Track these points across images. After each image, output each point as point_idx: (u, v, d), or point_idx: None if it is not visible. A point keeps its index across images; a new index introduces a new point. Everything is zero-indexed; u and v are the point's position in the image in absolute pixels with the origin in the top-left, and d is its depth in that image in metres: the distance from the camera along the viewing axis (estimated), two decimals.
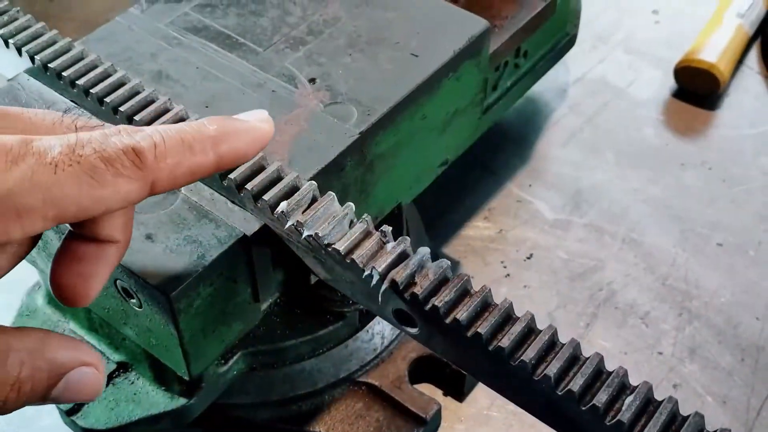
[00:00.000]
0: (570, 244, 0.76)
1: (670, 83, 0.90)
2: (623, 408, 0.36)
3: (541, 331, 0.38)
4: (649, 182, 0.81)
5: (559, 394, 0.36)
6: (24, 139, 0.34)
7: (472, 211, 0.79)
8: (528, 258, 0.74)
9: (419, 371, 0.63)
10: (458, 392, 0.64)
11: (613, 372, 0.37)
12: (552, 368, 0.37)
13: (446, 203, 0.79)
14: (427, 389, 0.64)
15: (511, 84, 0.72)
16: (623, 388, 0.37)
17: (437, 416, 0.61)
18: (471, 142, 0.68)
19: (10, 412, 0.35)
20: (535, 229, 0.77)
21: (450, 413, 0.63)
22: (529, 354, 0.37)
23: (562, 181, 0.81)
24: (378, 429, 0.59)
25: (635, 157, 0.84)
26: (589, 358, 0.37)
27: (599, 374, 0.37)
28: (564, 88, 0.91)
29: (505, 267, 0.74)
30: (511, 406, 0.63)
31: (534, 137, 0.86)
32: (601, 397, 0.36)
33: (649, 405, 0.36)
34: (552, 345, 0.38)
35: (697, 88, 0.89)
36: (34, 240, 0.38)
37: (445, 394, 0.64)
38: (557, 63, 0.81)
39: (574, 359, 0.38)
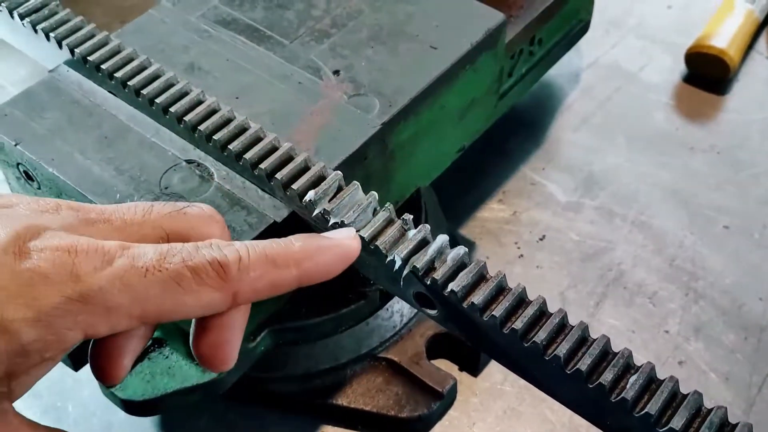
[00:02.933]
0: (581, 226, 0.78)
1: (681, 68, 0.92)
2: (627, 386, 0.39)
3: (552, 314, 0.41)
4: (658, 166, 0.83)
5: (568, 373, 0.39)
6: (122, 244, 0.36)
7: (487, 194, 0.81)
8: (541, 239, 0.77)
9: (436, 347, 0.66)
10: (473, 368, 0.66)
11: (618, 353, 0.40)
12: (561, 349, 0.40)
13: (462, 186, 0.81)
14: (443, 365, 0.66)
15: (526, 71, 0.74)
16: (628, 367, 0.40)
17: (453, 390, 0.64)
18: (486, 128, 0.70)
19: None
20: (548, 211, 0.79)
21: (465, 387, 0.66)
22: (541, 336, 0.40)
23: (575, 164, 0.83)
24: (397, 402, 0.62)
25: (645, 141, 0.85)
26: (596, 339, 0.40)
27: (606, 355, 0.40)
28: (577, 73, 0.93)
29: (518, 248, 0.76)
30: (523, 381, 0.66)
31: (547, 121, 0.88)
32: (607, 376, 0.39)
33: (651, 383, 0.39)
34: (562, 327, 0.41)
35: (708, 74, 0.90)
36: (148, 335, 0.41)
37: (461, 370, 0.67)
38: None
39: (583, 340, 0.41)
